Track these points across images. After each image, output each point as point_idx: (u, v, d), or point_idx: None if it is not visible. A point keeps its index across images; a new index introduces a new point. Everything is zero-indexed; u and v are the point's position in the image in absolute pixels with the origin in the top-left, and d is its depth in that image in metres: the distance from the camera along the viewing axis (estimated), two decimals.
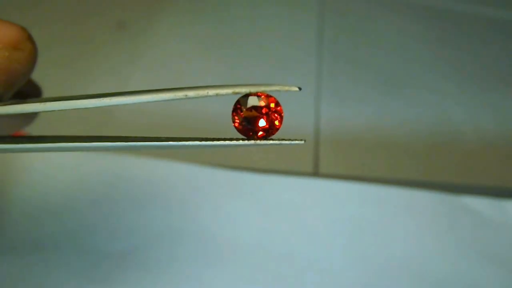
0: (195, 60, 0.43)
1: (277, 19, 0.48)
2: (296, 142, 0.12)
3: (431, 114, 0.40)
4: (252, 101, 0.12)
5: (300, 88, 0.12)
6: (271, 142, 0.12)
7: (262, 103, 0.12)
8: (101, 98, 0.13)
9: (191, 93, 0.12)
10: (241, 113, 0.12)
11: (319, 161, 0.35)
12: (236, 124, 0.12)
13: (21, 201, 0.30)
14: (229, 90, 0.12)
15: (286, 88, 0.12)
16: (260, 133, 0.12)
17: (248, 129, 0.12)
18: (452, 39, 0.48)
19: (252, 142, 0.12)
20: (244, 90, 0.12)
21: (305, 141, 0.13)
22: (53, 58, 0.41)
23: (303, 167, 0.34)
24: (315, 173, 0.34)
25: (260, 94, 0.12)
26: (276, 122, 0.12)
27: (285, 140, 0.13)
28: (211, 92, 0.12)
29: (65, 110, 0.14)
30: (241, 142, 0.12)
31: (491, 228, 0.31)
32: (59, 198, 0.30)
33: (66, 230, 0.29)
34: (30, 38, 0.15)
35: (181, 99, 0.12)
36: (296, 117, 0.38)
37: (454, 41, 0.48)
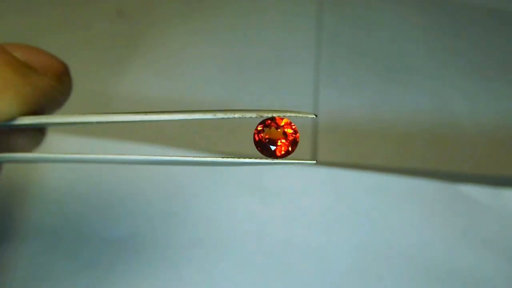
0: (195, 48, 0.43)
1: (276, 6, 0.48)
2: (308, 162, 0.14)
3: (430, 103, 0.40)
4: (275, 135, 0.14)
5: (316, 115, 0.13)
6: (283, 161, 0.14)
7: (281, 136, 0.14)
8: (138, 114, 0.14)
9: (219, 115, 0.14)
10: (262, 135, 0.14)
11: (318, 149, 0.35)
12: (257, 138, 0.14)
13: (20, 188, 0.30)
14: (253, 114, 0.13)
15: (301, 115, 0.13)
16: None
17: (267, 148, 0.14)
18: (452, 27, 0.48)
19: (268, 160, 0.14)
20: (267, 114, 0.14)
21: (316, 162, 0.14)
22: (51, 46, 0.40)
23: (302, 155, 0.34)
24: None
25: (283, 123, 0.14)
26: (290, 149, 0.14)
27: (296, 160, 0.14)
28: (237, 114, 0.14)
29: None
30: (257, 160, 0.14)
31: (489, 216, 0.31)
32: (59, 184, 0.30)
33: (66, 216, 0.29)
34: (69, 73, 0.17)
35: (211, 118, 0.14)
36: (295, 105, 0.38)
37: (453, 30, 0.48)
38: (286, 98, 0.39)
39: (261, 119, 0.14)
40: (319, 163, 0.34)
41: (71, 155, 0.16)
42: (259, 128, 0.14)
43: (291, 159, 0.14)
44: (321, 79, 0.41)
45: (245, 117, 0.14)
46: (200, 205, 0.30)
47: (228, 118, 0.14)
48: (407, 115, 0.39)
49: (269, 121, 0.14)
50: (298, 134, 0.14)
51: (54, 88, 0.16)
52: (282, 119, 0.14)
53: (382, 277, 0.28)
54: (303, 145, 0.35)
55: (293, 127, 0.14)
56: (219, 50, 0.43)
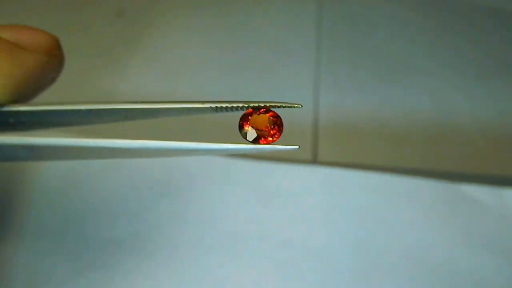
0: (195, 48, 0.43)
1: (276, 6, 0.48)
2: (290, 147, 0.14)
3: (430, 102, 0.40)
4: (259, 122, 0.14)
5: (301, 106, 0.14)
6: (267, 147, 0.14)
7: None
8: (128, 104, 0.15)
9: (208, 104, 0.14)
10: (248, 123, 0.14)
11: (318, 149, 0.35)
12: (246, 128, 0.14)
13: (19, 188, 0.30)
14: (241, 104, 0.14)
15: (289, 105, 0.14)
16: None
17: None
18: (453, 27, 0.48)
19: (252, 146, 0.14)
20: (253, 104, 0.14)
21: (299, 147, 0.14)
22: None
23: (302, 154, 0.34)
24: (314, 161, 0.34)
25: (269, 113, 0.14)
26: (274, 136, 0.14)
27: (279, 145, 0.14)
28: (226, 104, 0.14)
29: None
30: (241, 146, 0.14)
31: (490, 216, 0.31)
32: (59, 184, 0.30)
33: (67, 216, 0.29)
34: (61, 47, 0.17)
35: (203, 108, 0.14)
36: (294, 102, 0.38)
37: (454, 30, 0.48)
38: (286, 98, 0.39)
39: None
40: (320, 163, 0.34)
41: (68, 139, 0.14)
42: (244, 117, 0.14)
43: (276, 145, 0.14)
44: (321, 80, 0.41)
45: (234, 108, 0.14)
46: (200, 205, 0.30)
47: (216, 107, 0.14)
48: (407, 115, 0.39)
49: (254, 110, 0.14)
50: (282, 122, 0.14)
51: (45, 64, 0.15)
52: (268, 109, 0.14)
53: (382, 277, 0.28)
54: (303, 144, 0.35)
55: (276, 115, 0.14)
56: (219, 50, 0.43)
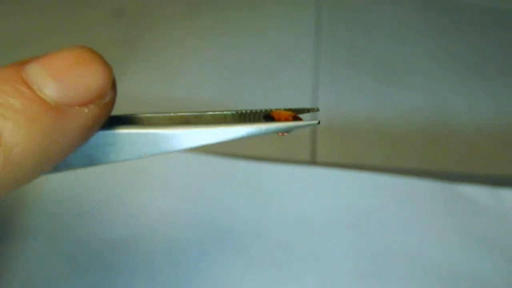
0: (194, 49, 0.43)
1: (275, 7, 0.48)
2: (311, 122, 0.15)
3: (428, 103, 0.40)
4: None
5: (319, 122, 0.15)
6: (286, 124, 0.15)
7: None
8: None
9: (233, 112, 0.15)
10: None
11: (317, 150, 0.35)
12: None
13: (18, 190, 0.30)
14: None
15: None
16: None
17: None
18: (451, 28, 0.48)
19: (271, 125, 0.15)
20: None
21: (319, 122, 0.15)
22: (50, 46, 0.40)
23: (301, 155, 0.34)
24: (313, 162, 0.34)
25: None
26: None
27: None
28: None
29: None
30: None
31: (487, 216, 0.31)
32: (57, 185, 0.30)
33: (64, 217, 0.29)
34: (115, 84, 0.12)
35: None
36: (294, 105, 0.38)
37: (452, 31, 0.48)
38: (285, 99, 0.39)
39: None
40: (318, 163, 0.34)
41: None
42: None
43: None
44: (320, 80, 0.41)
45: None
46: (198, 206, 0.30)
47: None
48: (406, 116, 0.39)
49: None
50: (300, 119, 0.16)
51: (94, 119, 0.12)
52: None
53: (381, 276, 0.28)
54: (302, 145, 0.35)
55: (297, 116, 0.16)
56: (218, 52, 0.43)
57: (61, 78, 0.11)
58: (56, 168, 0.13)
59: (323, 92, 0.39)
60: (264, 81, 0.40)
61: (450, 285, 0.28)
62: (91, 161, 0.13)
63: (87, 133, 0.12)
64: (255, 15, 0.47)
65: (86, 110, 0.11)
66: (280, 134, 0.15)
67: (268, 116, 0.15)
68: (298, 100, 0.39)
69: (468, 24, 0.49)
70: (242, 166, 0.32)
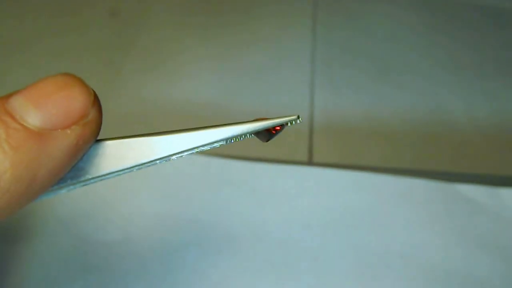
0: (190, 49, 0.43)
1: (271, 7, 0.48)
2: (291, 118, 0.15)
3: (426, 103, 0.40)
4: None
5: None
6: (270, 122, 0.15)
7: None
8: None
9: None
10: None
11: (313, 150, 0.35)
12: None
13: None
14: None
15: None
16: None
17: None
18: (447, 27, 0.48)
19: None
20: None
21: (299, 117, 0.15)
22: (46, 47, 0.40)
23: (298, 155, 0.34)
24: (310, 162, 0.34)
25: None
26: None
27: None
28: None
29: None
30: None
31: (486, 216, 0.31)
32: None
33: (59, 219, 0.29)
34: (98, 102, 0.13)
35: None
36: (291, 105, 0.38)
37: (448, 30, 0.48)
38: (282, 99, 0.39)
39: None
40: (315, 163, 0.34)
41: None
42: None
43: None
44: (316, 81, 0.41)
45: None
46: (194, 207, 0.30)
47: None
48: (403, 115, 0.39)
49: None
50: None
51: (79, 138, 0.12)
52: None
53: (378, 276, 0.28)
54: (299, 145, 0.35)
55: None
56: (215, 53, 0.43)
57: (41, 105, 0.12)
58: (54, 190, 0.14)
59: (320, 92, 0.39)
60: (261, 81, 0.40)
61: (448, 284, 0.28)
62: (84, 174, 0.14)
63: (75, 151, 0.13)
64: (251, 15, 0.47)
65: (68, 131, 0.12)
66: (265, 140, 0.16)
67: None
68: (294, 100, 0.39)
69: (465, 23, 0.49)
70: (239, 167, 0.32)
